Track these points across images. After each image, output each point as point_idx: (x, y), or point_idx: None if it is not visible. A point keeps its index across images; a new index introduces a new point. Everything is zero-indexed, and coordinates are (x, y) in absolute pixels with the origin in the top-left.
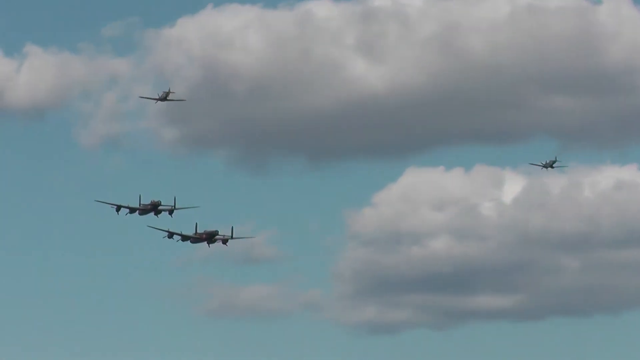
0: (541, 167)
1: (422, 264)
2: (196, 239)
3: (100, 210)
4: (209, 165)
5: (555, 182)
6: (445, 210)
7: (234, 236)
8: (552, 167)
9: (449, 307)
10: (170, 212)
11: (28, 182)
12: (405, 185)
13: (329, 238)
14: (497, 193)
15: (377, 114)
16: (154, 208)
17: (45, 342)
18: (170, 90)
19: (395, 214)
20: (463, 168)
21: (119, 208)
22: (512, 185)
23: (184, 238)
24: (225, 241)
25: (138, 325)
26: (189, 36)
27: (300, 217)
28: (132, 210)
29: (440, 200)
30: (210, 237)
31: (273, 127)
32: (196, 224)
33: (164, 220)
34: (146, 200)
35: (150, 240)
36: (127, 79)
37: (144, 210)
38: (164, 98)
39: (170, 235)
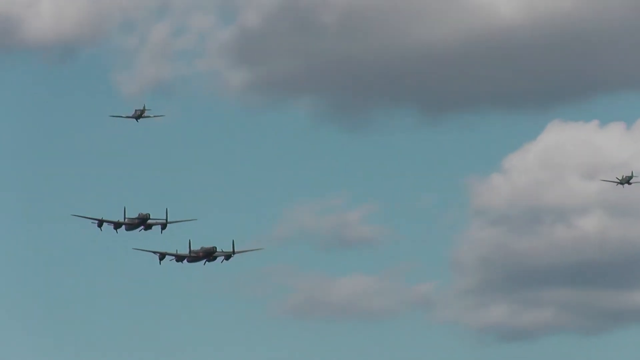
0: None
1: (569, 249)
2: (193, 258)
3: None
4: (288, 118)
5: None
6: (599, 178)
7: (236, 250)
8: (628, 183)
9: (602, 305)
10: (163, 226)
11: (52, 140)
12: (546, 145)
13: (446, 215)
14: None
15: (511, 52)
16: (143, 222)
17: (124, 338)
18: (145, 108)
19: (533, 183)
20: (624, 123)
21: (100, 223)
22: None
23: (178, 258)
24: (227, 257)
25: (207, 327)
26: None
27: (408, 186)
28: (117, 225)
29: (593, 165)
30: (208, 255)
31: (373, 69)
32: (189, 241)
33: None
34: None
35: None
36: (183, 7)
37: (131, 226)
38: (138, 116)
39: (162, 256)
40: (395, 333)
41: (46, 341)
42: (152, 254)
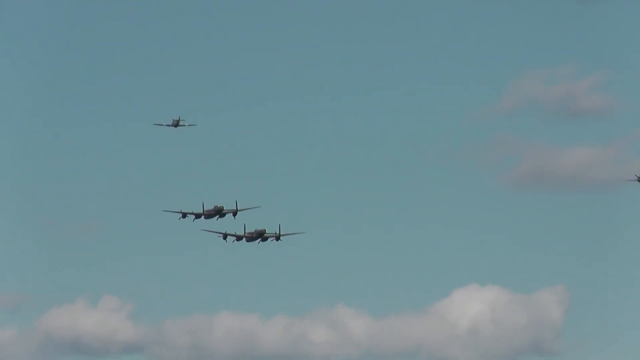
0: None
1: None
2: (250, 237)
3: None
4: None
5: None
6: None
7: (282, 233)
8: None
9: None
10: (235, 214)
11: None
12: None
13: None
14: None
15: None
16: (218, 212)
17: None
18: (180, 118)
19: None
20: None
21: (184, 215)
22: None
23: (238, 238)
24: (277, 238)
25: (431, 197)
26: None
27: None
28: (197, 216)
29: None
30: (260, 235)
31: None
32: (244, 224)
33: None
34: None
35: None
36: None
37: (208, 215)
38: (176, 124)
39: (225, 236)
40: (618, 204)
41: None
42: (218, 233)
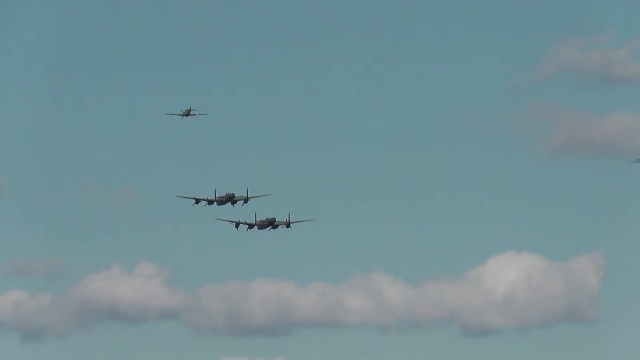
0: None
1: None
2: (261, 225)
3: None
4: None
5: None
6: None
7: (292, 220)
8: None
9: None
10: (245, 201)
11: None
12: None
13: None
14: None
15: None
16: (230, 199)
17: None
18: (191, 108)
19: None
20: None
21: (197, 201)
22: None
23: (250, 226)
24: (288, 225)
25: (468, 165)
26: None
27: None
28: (209, 202)
29: None
30: (271, 223)
31: None
32: (255, 213)
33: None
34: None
35: None
36: None
37: (220, 202)
38: (186, 114)
39: (237, 224)
40: None
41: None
42: (231, 222)
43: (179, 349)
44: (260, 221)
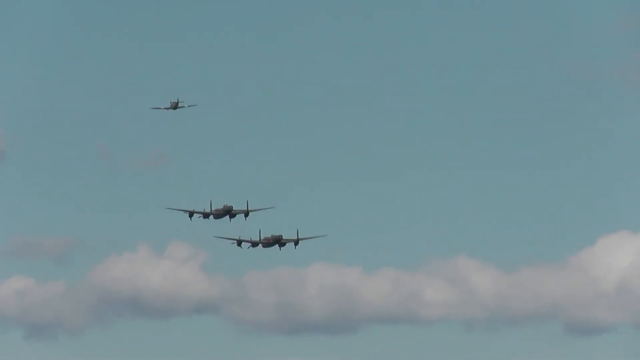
0: None
1: None
2: (266, 243)
3: None
4: None
5: None
6: None
7: (300, 237)
8: None
9: None
10: (246, 215)
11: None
12: None
13: None
14: None
15: None
16: (227, 212)
17: None
18: (179, 100)
19: None
20: None
21: (191, 214)
22: None
23: (254, 244)
24: (296, 243)
25: (569, 140)
26: None
27: None
28: (205, 215)
29: None
30: (277, 242)
31: None
32: (259, 230)
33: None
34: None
35: None
36: None
37: (217, 215)
38: (174, 107)
39: (239, 243)
40: None
41: None
42: (232, 239)
43: (218, 349)
44: (265, 239)
